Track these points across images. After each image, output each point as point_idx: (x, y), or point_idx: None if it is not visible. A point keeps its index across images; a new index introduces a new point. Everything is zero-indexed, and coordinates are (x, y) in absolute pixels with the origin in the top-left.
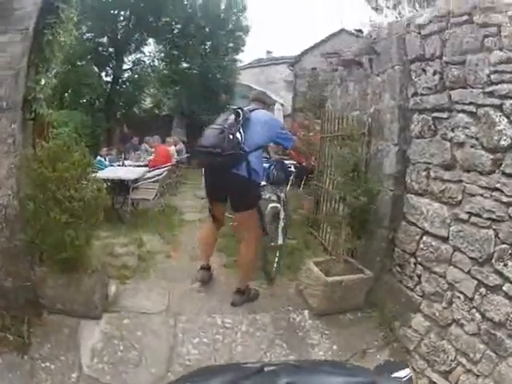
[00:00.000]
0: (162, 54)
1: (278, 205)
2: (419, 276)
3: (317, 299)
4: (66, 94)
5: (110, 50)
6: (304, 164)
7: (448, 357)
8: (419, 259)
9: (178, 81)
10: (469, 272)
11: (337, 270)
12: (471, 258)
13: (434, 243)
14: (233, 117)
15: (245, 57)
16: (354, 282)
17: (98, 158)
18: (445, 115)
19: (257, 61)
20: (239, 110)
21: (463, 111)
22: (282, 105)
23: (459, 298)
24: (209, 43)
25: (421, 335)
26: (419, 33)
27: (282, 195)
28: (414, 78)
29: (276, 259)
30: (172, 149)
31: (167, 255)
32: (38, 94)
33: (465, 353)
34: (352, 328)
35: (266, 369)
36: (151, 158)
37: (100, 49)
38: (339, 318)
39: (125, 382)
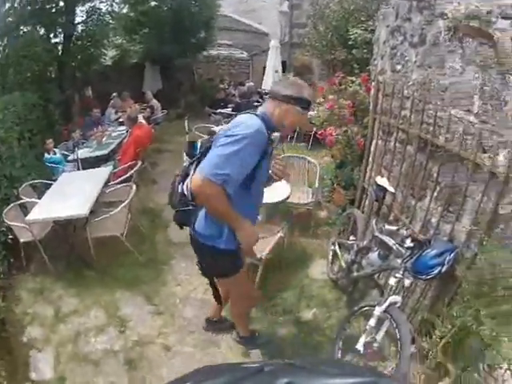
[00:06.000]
0: None
1: (399, 299)
2: None
3: None
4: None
5: (61, 3)
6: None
7: None
8: None
9: (145, 23)
10: None
11: None
12: None
13: None
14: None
15: None
16: None
17: (46, 155)
18: None
19: None
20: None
21: None
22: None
23: None
24: None
25: None
26: None
27: (407, 282)
28: None
29: None
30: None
31: (165, 346)
32: None
33: None
34: None
35: (266, 368)
36: (123, 139)
37: (48, 7)
38: None
39: None
